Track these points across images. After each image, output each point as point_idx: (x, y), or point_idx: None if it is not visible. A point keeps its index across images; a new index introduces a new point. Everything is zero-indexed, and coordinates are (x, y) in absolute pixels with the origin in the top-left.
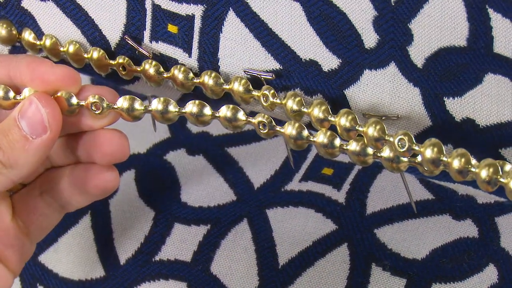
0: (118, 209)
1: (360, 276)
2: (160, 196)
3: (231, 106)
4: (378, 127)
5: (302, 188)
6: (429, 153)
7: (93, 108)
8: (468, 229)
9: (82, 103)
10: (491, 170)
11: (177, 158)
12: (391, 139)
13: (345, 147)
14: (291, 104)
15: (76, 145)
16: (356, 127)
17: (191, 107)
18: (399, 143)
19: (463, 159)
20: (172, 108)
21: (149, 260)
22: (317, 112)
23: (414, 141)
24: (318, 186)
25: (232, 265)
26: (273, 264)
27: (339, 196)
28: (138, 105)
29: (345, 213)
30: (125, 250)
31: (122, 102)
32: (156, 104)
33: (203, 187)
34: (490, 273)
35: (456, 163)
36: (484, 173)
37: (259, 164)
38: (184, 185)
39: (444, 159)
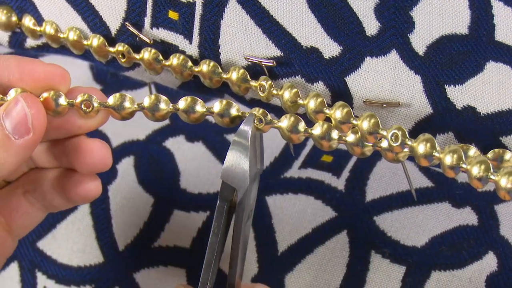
0: (117, 196)
1: (359, 263)
2: (159, 183)
3: (224, 101)
4: (372, 120)
5: (302, 175)
6: (422, 148)
7: (83, 107)
8: (467, 217)
9: (72, 102)
10: (482, 167)
11: (176, 144)
12: (385, 133)
13: (343, 139)
14: (288, 95)
15: (58, 152)
16: (351, 120)
17: (183, 104)
18: (392, 138)
19: (455, 155)
20: (163, 105)
21: (148, 247)
22: (312, 104)
23: (408, 136)
24: (318, 173)
25: None
26: (272, 251)
27: (339, 183)
28: (128, 103)
29: (344, 200)
30: (124, 237)
31: (113, 100)
32: (147, 102)
33: (202, 173)
34: (490, 260)
35: (448, 160)
36: (475, 170)
37: None
38: (183, 172)
39: (436, 154)
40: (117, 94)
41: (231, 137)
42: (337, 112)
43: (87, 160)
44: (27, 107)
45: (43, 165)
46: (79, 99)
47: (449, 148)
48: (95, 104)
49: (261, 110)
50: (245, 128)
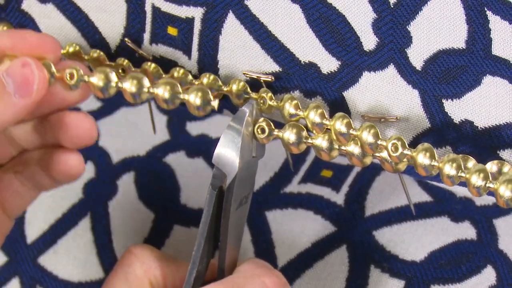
0: (118, 211)
1: (359, 278)
2: (159, 198)
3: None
4: (372, 131)
5: (301, 190)
6: (421, 158)
7: (67, 77)
8: (466, 231)
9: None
10: (481, 175)
11: (176, 160)
12: (384, 143)
13: (344, 149)
14: (288, 107)
15: (43, 130)
16: (350, 131)
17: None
18: (392, 148)
19: (455, 164)
20: (145, 88)
21: None
22: (312, 115)
23: (407, 146)
24: (317, 188)
25: None
26: (272, 266)
27: (338, 198)
28: (113, 81)
29: (344, 215)
30: None
31: (98, 75)
32: (129, 85)
33: (202, 189)
34: (488, 275)
35: (447, 169)
36: (474, 179)
37: (258, 166)
38: (184, 187)
39: (436, 164)
40: (101, 70)
41: None
42: (337, 123)
43: (73, 132)
44: (36, 69)
45: (28, 147)
46: (66, 70)
47: (448, 158)
48: (81, 75)
49: (265, 120)
50: (244, 109)
